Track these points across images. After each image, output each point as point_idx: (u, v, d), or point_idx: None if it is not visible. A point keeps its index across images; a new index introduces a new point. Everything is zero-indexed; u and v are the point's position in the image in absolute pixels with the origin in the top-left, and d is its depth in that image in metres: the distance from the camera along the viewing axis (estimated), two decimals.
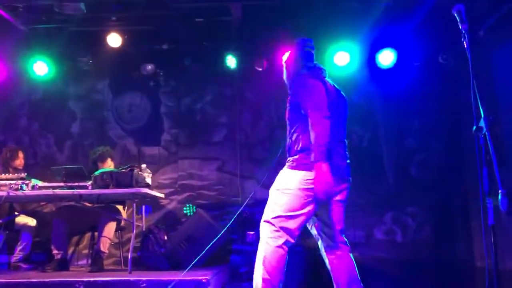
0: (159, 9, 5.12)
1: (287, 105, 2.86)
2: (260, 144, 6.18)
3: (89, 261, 5.13)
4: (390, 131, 6.06)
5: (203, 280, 3.44)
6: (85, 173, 4.54)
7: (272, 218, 2.65)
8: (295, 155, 2.74)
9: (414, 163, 6.00)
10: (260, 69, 5.92)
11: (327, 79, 2.95)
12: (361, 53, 5.78)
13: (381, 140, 6.07)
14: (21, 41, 5.65)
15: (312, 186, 2.54)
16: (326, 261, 2.79)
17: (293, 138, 2.78)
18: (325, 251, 2.80)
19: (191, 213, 5.87)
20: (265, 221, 2.69)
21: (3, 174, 4.51)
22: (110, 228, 4.67)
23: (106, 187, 4.35)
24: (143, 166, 4.71)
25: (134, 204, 4.48)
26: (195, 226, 5.06)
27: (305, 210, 2.63)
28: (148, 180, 4.63)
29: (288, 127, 2.85)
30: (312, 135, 2.56)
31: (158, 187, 5.91)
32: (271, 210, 2.69)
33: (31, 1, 4.58)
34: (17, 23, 5.23)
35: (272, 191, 2.74)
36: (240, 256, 5.80)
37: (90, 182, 4.39)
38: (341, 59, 5.70)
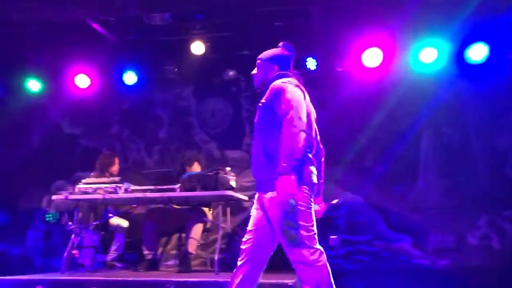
0: (239, 15, 5.21)
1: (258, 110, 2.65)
2: (341, 147, 6.07)
3: (177, 262, 5.31)
4: (482, 130, 5.68)
5: (289, 284, 3.42)
6: (173, 176, 4.71)
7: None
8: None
9: (510, 163, 5.58)
10: (341, 70, 5.83)
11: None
12: (450, 49, 5.49)
13: (472, 139, 5.71)
14: (112, 53, 6.01)
15: None
16: None
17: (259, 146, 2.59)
18: None
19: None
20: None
21: (99, 179, 4.82)
22: (197, 230, 4.80)
23: (193, 189, 4.47)
24: (228, 169, 4.80)
25: (220, 206, 4.57)
26: None
27: None
28: (233, 183, 4.70)
29: (255, 134, 2.64)
30: (284, 148, 2.37)
31: (241, 189, 5.99)
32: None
33: (122, 14, 4.86)
34: (108, 35, 5.57)
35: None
36: None
37: (178, 185, 4.55)
38: (428, 55, 5.45)
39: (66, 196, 4.58)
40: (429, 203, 5.64)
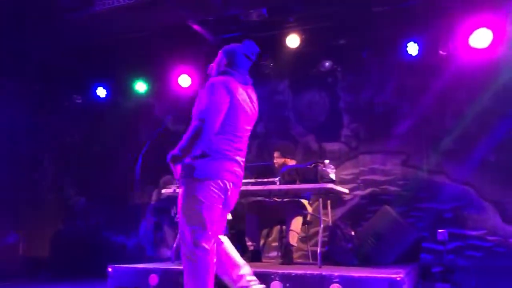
0: (336, 4, 5.11)
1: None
2: (448, 135, 5.71)
3: (279, 254, 5.37)
4: None
5: (397, 279, 3.30)
6: (273, 170, 4.77)
7: None
8: None
9: None
10: (445, 53, 5.49)
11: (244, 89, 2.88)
12: None
13: None
14: (211, 52, 6.19)
15: None
16: None
17: None
18: None
19: None
20: None
21: None
22: (297, 222, 4.81)
23: (293, 182, 4.49)
24: (326, 161, 4.73)
25: (320, 199, 4.54)
26: (382, 223, 4.91)
27: None
28: (332, 176, 4.63)
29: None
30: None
31: (340, 182, 5.89)
32: None
33: (221, 13, 5.00)
34: (207, 35, 5.77)
35: None
36: (432, 255, 5.45)
37: (278, 178, 4.59)
38: None
39: (174, 190, 4.84)
40: None
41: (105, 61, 6.53)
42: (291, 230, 4.77)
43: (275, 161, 5.26)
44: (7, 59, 6.18)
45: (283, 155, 5.26)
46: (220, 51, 3.00)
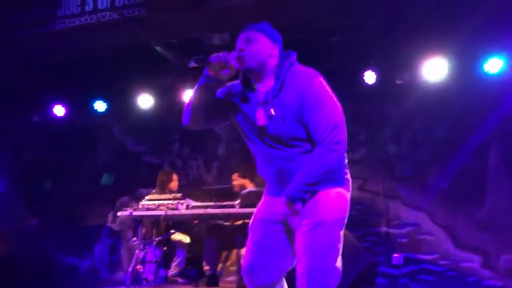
0: (295, 33, 5.23)
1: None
2: (403, 162, 5.90)
3: (237, 278, 5.32)
4: None
5: None
6: (232, 193, 4.76)
7: None
8: None
9: None
10: (400, 82, 5.70)
11: None
12: None
13: None
14: (174, 73, 6.21)
15: None
16: None
17: None
18: None
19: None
20: None
21: (161, 195, 4.96)
22: None
23: (253, 206, 4.49)
24: None
25: None
26: None
27: None
28: None
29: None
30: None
31: None
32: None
33: (184, 36, 5.04)
34: (170, 56, 5.77)
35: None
36: (387, 279, 5.55)
37: (237, 201, 4.58)
38: (493, 65, 5.22)
39: (131, 213, 4.76)
40: (500, 220, 5.33)
41: (64, 79, 6.40)
42: None
43: (234, 182, 5.23)
44: None
45: (243, 176, 5.25)
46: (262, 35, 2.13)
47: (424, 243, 5.59)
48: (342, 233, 2.09)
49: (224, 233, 5.03)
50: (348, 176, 2.20)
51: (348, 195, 2.16)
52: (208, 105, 2.16)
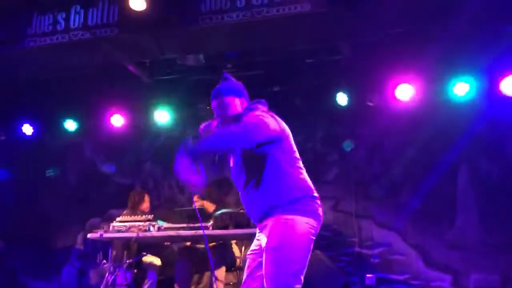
0: (270, 54, 5.31)
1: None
2: (375, 182, 5.97)
3: None
4: None
5: None
6: (205, 214, 4.71)
7: None
8: None
9: None
10: (372, 104, 5.80)
11: None
12: (483, 82, 5.37)
13: None
14: (146, 92, 6.17)
15: None
16: None
17: None
18: None
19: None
20: None
21: (132, 216, 4.86)
22: (221, 271, 4.75)
23: (226, 227, 4.46)
24: None
25: None
26: (313, 268, 4.93)
27: None
28: None
29: None
30: None
31: None
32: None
33: (157, 56, 5.02)
34: (143, 76, 5.74)
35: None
36: None
37: (210, 223, 4.54)
38: (461, 88, 5.36)
39: (101, 234, 4.64)
40: (469, 240, 5.42)
41: (33, 98, 6.27)
42: (218, 280, 4.68)
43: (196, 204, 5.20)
44: None
45: (202, 198, 5.22)
46: (228, 97, 2.56)
47: (396, 263, 5.64)
48: (294, 255, 2.23)
49: (197, 255, 4.96)
50: (309, 205, 2.35)
51: (300, 220, 2.28)
52: None
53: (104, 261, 4.88)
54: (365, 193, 5.96)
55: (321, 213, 2.39)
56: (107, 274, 4.78)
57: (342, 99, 5.76)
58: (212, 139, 2.39)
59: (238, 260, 5.07)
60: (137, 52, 5.09)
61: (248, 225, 4.38)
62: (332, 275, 4.94)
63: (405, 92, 5.53)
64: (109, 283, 4.82)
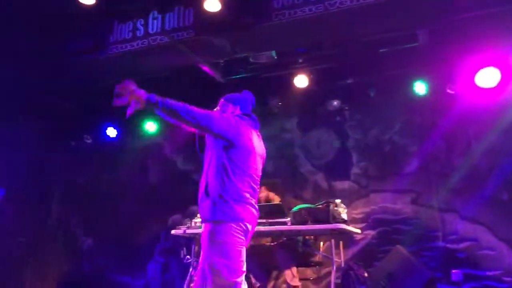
0: (343, 46, 5.22)
1: None
2: (457, 173, 5.69)
3: None
4: None
5: None
6: (283, 210, 4.73)
7: None
8: None
9: None
10: (453, 92, 5.54)
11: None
12: None
13: None
14: (220, 92, 6.28)
15: None
16: None
17: None
18: None
19: None
20: None
21: None
22: (292, 269, 4.75)
23: (304, 223, 4.45)
24: (338, 201, 4.70)
25: (333, 240, 4.49)
26: (395, 263, 4.83)
27: None
28: (344, 216, 4.59)
29: None
30: None
31: (351, 221, 5.83)
32: None
33: (231, 55, 5.12)
34: (217, 76, 5.88)
35: None
36: None
37: (288, 219, 4.55)
38: None
39: (184, 230, 4.81)
40: None
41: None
42: (293, 276, 4.69)
43: (260, 194, 5.22)
44: (20, 99, 6.26)
45: (268, 190, 5.26)
46: (226, 101, 3.16)
47: (484, 258, 5.34)
48: (213, 263, 2.61)
49: (266, 253, 4.96)
50: (226, 206, 2.71)
51: (214, 226, 2.69)
52: None
53: (188, 256, 5.05)
54: (447, 185, 5.70)
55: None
56: (190, 269, 4.94)
57: (420, 88, 5.56)
58: (180, 105, 2.68)
59: (317, 256, 5.05)
60: (212, 53, 5.21)
61: (327, 220, 4.35)
62: (415, 270, 4.78)
63: (487, 77, 5.23)
64: (193, 278, 4.98)
